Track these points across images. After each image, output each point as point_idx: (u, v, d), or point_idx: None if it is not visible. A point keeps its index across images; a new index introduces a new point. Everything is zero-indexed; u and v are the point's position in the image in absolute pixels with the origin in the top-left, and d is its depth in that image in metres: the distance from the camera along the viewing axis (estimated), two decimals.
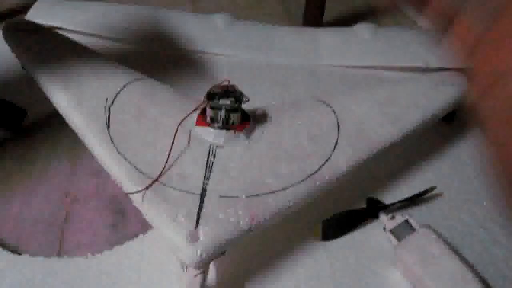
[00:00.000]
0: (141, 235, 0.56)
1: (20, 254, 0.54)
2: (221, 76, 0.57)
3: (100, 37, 0.85)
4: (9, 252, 0.54)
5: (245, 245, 0.53)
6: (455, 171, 0.66)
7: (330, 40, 0.86)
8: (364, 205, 0.60)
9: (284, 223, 0.56)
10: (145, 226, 0.57)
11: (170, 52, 0.85)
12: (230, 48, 0.85)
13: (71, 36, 0.70)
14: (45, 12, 0.87)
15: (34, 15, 0.88)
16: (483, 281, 0.49)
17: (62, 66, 0.62)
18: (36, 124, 0.71)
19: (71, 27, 0.84)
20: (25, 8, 0.97)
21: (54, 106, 0.60)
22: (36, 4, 0.92)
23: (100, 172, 0.63)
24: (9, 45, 0.67)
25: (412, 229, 0.54)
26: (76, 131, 0.57)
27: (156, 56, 0.84)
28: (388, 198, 0.61)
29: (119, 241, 0.56)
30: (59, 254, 0.55)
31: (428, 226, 0.54)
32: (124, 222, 0.58)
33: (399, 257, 0.52)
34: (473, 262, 0.53)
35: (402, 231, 0.54)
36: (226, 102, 0.54)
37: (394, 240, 0.54)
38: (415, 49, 0.82)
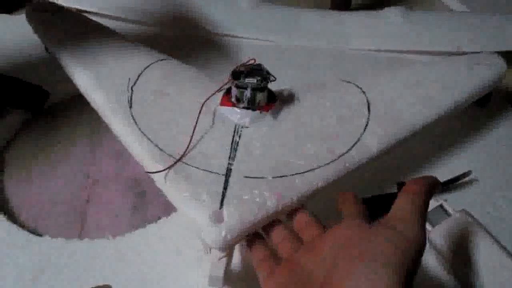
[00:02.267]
0: (163, 218, 0.55)
1: (40, 235, 0.53)
2: (246, 59, 0.55)
3: (124, 20, 0.84)
4: (28, 233, 0.53)
5: None
6: (490, 156, 0.63)
7: (358, 24, 0.83)
8: (395, 190, 0.57)
9: (309, 209, 0.54)
10: (166, 209, 0.56)
11: (194, 35, 0.83)
12: (255, 31, 0.83)
13: (95, 19, 0.69)
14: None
15: None
16: None
17: (85, 46, 0.61)
18: (58, 106, 0.70)
19: (95, 10, 0.83)
20: None
21: (76, 87, 0.59)
22: None
23: (121, 154, 0.62)
24: (32, 26, 0.66)
25: (447, 214, 0.51)
26: (98, 111, 0.55)
27: (180, 39, 0.82)
28: None
29: (140, 224, 0.55)
30: (79, 236, 0.54)
31: (464, 211, 0.51)
32: (145, 205, 0.57)
33: (434, 243, 0.49)
34: (509, 248, 0.50)
35: (436, 216, 0.52)
36: (252, 81, 0.52)
37: (428, 226, 0.51)
38: (447, 32, 0.78)
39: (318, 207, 0.48)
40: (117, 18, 0.83)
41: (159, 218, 0.55)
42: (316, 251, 0.37)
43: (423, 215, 0.36)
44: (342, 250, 0.35)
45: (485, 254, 0.47)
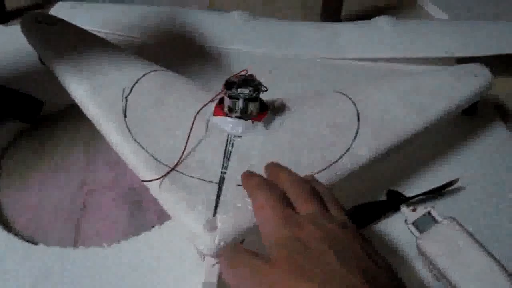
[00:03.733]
0: (158, 226, 0.55)
1: (36, 244, 0.54)
2: (239, 70, 0.56)
3: (119, 35, 0.85)
4: (25, 242, 0.53)
5: None
6: (478, 164, 0.64)
7: (350, 33, 0.85)
8: (384, 198, 0.59)
9: None
10: (162, 217, 0.56)
11: (188, 47, 0.84)
12: (249, 44, 0.84)
13: (90, 30, 0.70)
14: (65, 14, 0.87)
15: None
16: (509, 275, 0.48)
17: (79, 56, 0.62)
18: (53, 116, 0.70)
19: (90, 27, 0.84)
20: (41, 6, 0.99)
21: (71, 97, 0.60)
22: (56, 5, 0.93)
23: (117, 163, 0.63)
24: (26, 37, 0.67)
25: (435, 221, 0.52)
26: (93, 120, 0.56)
27: (174, 50, 0.84)
28: (410, 191, 0.59)
29: (136, 232, 0.55)
30: (75, 244, 0.54)
31: (452, 218, 0.52)
32: (141, 213, 0.58)
33: (422, 250, 0.50)
34: (498, 257, 0.51)
35: (424, 223, 0.53)
36: (244, 91, 0.53)
37: (416, 232, 0.52)
38: (437, 39, 0.80)
39: None
40: (113, 34, 0.84)
41: (154, 226, 0.55)
42: None
43: None
44: None
45: (472, 261, 0.48)
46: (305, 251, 0.34)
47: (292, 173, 0.45)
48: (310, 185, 0.43)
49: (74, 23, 0.70)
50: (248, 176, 0.46)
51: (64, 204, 0.59)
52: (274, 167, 0.47)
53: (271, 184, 0.43)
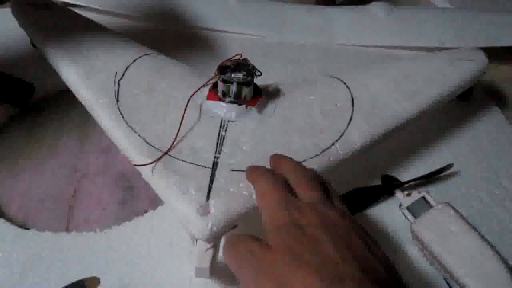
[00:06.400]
0: (150, 211, 0.55)
1: (27, 229, 0.53)
2: (233, 54, 0.55)
3: (111, 13, 0.83)
4: (16, 227, 0.53)
5: (258, 220, 0.51)
6: (473, 149, 0.64)
7: (344, 19, 0.84)
8: (379, 183, 0.58)
9: None
10: (154, 203, 0.56)
11: (182, 30, 0.83)
12: (242, 26, 0.83)
13: (81, 13, 0.69)
14: None
15: None
16: (503, 259, 0.48)
17: (71, 40, 0.61)
18: (44, 101, 0.70)
19: (82, 3, 0.83)
20: None
21: (63, 82, 0.59)
22: None
23: (109, 149, 0.62)
24: (18, 20, 0.66)
25: (429, 205, 0.53)
26: (85, 105, 0.56)
27: (167, 34, 0.83)
28: (404, 176, 0.59)
29: (128, 218, 0.55)
30: (67, 230, 0.54)
31: (446, 203, 0.52)
32: (133, 199, 0.57)
33: (416, 234, 0.50)
34: (492, 241, 0.51)
35: (419, 208, 0.53)
36: (238, 75, 0.53)
37: (410, 217, 0.53)
38: (431, 28, 0.80)
39: None
40: (105, 12, 0.83)
41: (146, 211, 0.55)
42: None
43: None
44: None
45: (466, 245, 0.48)
46: (302, 237, 0.34)
47: (294, 161, 0.45)
48: (312, 172, 0.43)
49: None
50: (252, 168, 0.45)
51: (56, 190, 0.58)
52: (276, 156, 0.47)
53: (273, 172, 0.43)
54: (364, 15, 0.84)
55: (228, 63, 0.54)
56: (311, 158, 0.50)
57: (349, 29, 0.83)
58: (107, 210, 0.56)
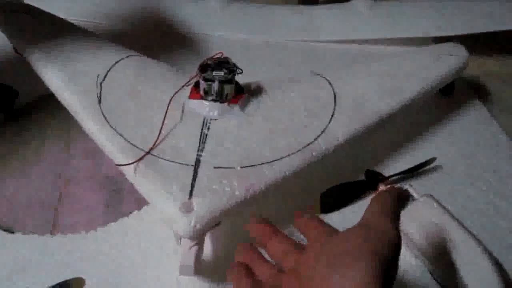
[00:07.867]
0: (135, 212, 0.55)
1: (13, 233, 0.53)
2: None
3: (95, 24, 0.84)
4: (2, 231, 0.53)
5: (243, 218, 0.52)
6: (455, 144, 0.65)
7: (328, 16, 0.85)
8: (363, 178, 0.59)
9: (283, 197, 0.55)
10: (140, 205, 0.56)
11: (166, 33, 0.84)
12: (226, 29, 0.84)
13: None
14: (39, 2, 0.86)
15: None
16: (485, 249, 0.48)
17: (53, 44, 0.61)
18: (28, 106, 0.70)
19: (64, 16, 0.83)
20: None
21: (46, 87, 0.59)
22: None
23: (94, 153, 0.62)
24: (0, 26, 0.66)
25: (412, 198, 0.53)
26: (69, 108, 0.56)
27: (151, 37, 0.83)
28: (388, 171, 0.59)
29: (115, 220, 0.55)
30: (52, 233, 0.54)
31: (429, 195, 0.52)
32: (119, 202, 0.57)
33: (400, 226, 0.51)
34: (476, 233, 0.51)
35: None
36: (219, 73, 0.53)
37: None
38: (413, 20, 0.81)
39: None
40: (89, 23, 0.84)
41: (131, 212, 0.55)
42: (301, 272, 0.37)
43: (394, 214, 0.36)
44: (324, 251, 0.35)
45: (450, 236, 0.48)
46: None
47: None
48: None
49: (49, 11, 0.69)
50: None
51: (42, 194, 0.58)
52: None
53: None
54: (347, 11, 0.85)
55: (209, 62, 0.54)
56: (294, 153, 0.50)
57: (333, 25, 0.84)
58: (93, 213, 0.56)
